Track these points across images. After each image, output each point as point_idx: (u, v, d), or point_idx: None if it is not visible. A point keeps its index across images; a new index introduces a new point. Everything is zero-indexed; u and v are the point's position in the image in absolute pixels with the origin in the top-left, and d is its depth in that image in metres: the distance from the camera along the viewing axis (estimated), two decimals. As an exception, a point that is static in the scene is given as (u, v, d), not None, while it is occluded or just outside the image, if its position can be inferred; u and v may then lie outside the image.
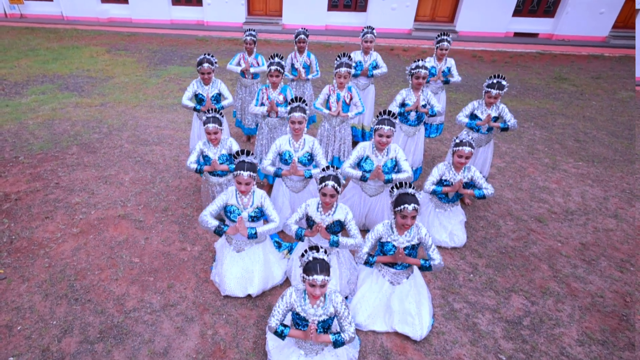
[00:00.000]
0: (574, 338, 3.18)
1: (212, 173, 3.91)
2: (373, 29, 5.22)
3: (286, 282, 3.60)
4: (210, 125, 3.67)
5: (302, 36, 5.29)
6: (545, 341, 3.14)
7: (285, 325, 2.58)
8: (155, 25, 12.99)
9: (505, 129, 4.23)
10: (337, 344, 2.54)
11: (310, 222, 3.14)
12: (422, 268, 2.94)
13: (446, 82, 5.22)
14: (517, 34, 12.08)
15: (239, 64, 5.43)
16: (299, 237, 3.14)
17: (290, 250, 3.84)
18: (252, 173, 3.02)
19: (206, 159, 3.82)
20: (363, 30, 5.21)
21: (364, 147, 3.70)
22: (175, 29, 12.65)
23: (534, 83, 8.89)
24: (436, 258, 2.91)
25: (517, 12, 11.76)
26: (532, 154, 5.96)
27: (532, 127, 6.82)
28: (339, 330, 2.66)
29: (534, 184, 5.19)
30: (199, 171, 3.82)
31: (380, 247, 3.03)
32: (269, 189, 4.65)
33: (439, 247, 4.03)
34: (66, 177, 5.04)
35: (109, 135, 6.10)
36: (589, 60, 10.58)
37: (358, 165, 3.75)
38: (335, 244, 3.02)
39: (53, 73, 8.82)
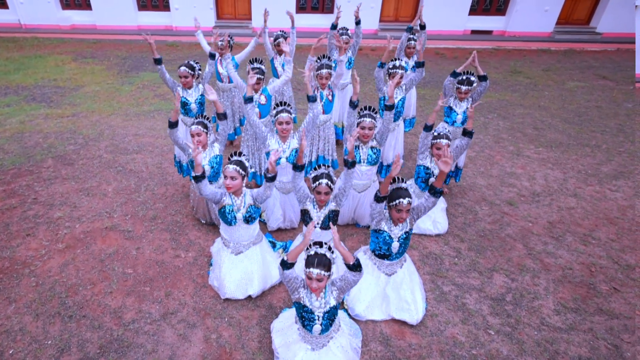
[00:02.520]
0: (551, 308, 3.48)
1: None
2: (347, 29, 5.42)
3: (283, 281, 3.70)
4: (193, 127, 3.65)
5: (281, 39, 5.40)
6: (526, 314, 3.42)
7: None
8: (121, 31, 12.53)
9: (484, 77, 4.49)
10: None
11: (306, 216, 3.26)
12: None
13: (421, 64, 5.19)
14: (473, 32, 12.74)
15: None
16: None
17: (285, 249, 3.94)
18: (238, 168, 3.05)
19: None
20: (338, 31, 5.39)
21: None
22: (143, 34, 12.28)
23: (492, 77, 9.43)
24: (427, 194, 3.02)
25: (473, 11, 12.41)
26: (498, 142, 6.38)
27: (495, 118, 7.28)
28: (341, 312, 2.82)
29: (502, 171, 5.57)
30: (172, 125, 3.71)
31: (376, 235, 3.19)
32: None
33: (424, 235, 4.28)
34: (44, 191, 4.85)
35: (86, 146, 5.91)
36: (539, 54, 11.33)
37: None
38: None
39: (16, 84, 8.37)
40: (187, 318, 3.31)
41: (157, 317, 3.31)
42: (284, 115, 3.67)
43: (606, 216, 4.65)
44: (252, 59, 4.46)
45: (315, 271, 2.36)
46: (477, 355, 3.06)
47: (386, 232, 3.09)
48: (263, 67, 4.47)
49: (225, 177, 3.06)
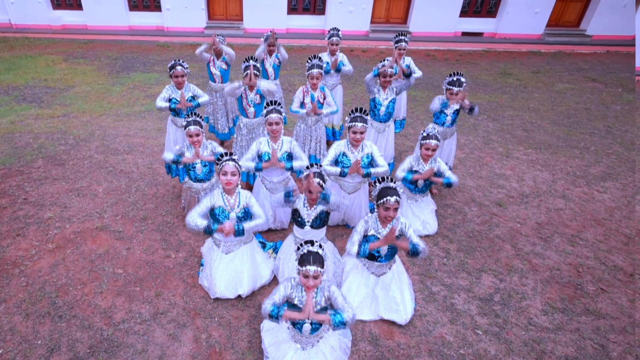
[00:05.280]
0: (539, 309, 3.51)
1: (195, 179, 3.93)
2: (339, 31, 5.44)
3: (274, 281, 3.70)
4: (192, 128, 3.71)
5: (272, 39, 5.44)
6: (514, 314, 3.45)
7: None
8: (112, 31, 12.50)
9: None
10: (336, 322, 2.46)
11: (297, 216, 3.27)
12: (410, 253, 2.98)
13: (408, 75, 5.43)
14: (464, 34, 12.85)
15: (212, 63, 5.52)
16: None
17: (275, 249, 3.96)
18: (236, 164, 3.13)
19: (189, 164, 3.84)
20: (329, 32, 5.43)
21: (340, 145, 3.88)
22: (134, 35, 12.24)
23: (483, 79, 9.51)
24: (420, 243, 3.01)
25: (464, 13, 12.52)
26: (488, 144, 6.44)
27: (485, 120, 7.35)
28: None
29: (492, 172, 5.63)
30: (176, 161, 3.82)
31: (366, 239, 3.20)
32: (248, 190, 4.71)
33: (414, 236, 4.31)
34: (34, 191, 4.83)
35: (76, 147, 5.89)
36: (529, 56, 11.42)
37: (336, 162, 3.93)
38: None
39: (7, 84, 8.32)
40: (177, 318, 3.31)
41: (147, 317, 3.31)
42: (274, 115, 3.69)
43: (594, 217, 4.72)
44: (247, 57, 4.47)
45: (312, 268, 2.41)
46: (465, 355, 3.09)
47: (375, 235, 3.12)
48: (258, 64, 4.49)
49: (225, 173, 3.09)
